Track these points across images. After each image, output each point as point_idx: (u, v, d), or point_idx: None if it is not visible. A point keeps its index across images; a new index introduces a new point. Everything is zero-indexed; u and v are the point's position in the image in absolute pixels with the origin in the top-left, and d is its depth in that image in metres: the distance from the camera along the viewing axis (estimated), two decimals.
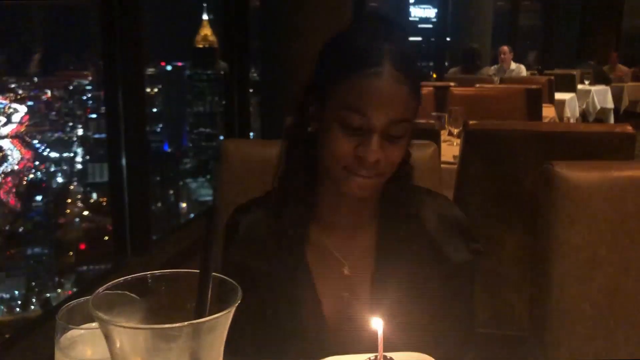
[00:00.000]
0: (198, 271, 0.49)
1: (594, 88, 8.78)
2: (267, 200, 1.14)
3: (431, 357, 0.86)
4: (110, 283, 0.49)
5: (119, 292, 0.56)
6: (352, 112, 0.99)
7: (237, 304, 0.47)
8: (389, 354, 0.84)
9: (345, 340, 1.00)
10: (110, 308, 0.53)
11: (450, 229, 1.11)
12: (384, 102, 0.99)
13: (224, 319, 0.46)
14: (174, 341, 0.46)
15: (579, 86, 8.34)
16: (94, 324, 0.66)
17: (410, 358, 0.85)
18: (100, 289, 0.48)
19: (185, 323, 0.43)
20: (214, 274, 0.49)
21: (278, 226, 1.09)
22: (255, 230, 1.11)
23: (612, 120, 8.93)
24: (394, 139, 1.01)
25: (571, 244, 1.24)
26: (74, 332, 0.65)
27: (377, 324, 0.82)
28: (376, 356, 0.83)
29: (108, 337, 0.47)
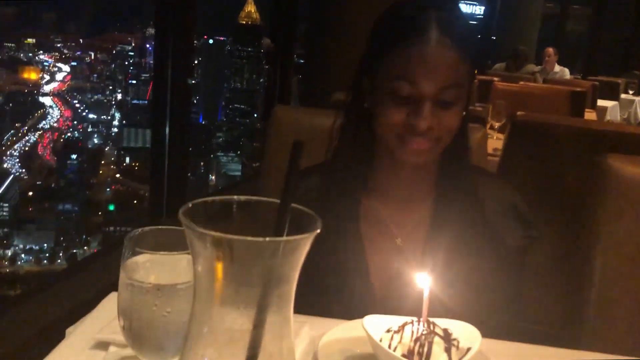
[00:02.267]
0: (279, 200, 0.50)
1: (638, 98, 8.58)
2: (323, 169, 1.15)
3: (474, 327, 0.86)
4: (194, 201, 0.51)
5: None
6: (401, 81, 1.01)
7: (316, 232, 0.48)
8: (432, 319, 0.85)
9: (393, 307, 1.02)
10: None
11: (507, 211, 1.11)
12: (432, 69, 1.00)
13: (303, 242, 0.47)
14: (253, 258, 0.48)
15: (622, 95, 8.16)
16: (160, 253, 0.68)
17: (453, 325, 0.86)
18: (189, 204, 0.50)
19: (267, 238, 0.45)
20: (294, 205, 0.50)
21: (333, 195, 1.11)
22: (311, 196, 1.13)
23: None
24: (446, 105, 1.02)
25: (617, 238, 1.23)
26: (140, 257, 0.68)
27: (423, 282, 0.83)
28: (419, 318, 0.85)
29: (193, 248, 0.49)
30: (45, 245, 9.79)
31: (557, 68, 7.10)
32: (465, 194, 1.10)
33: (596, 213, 1.27)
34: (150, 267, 0.68)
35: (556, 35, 11.81)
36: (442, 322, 0.86)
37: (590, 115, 5.11)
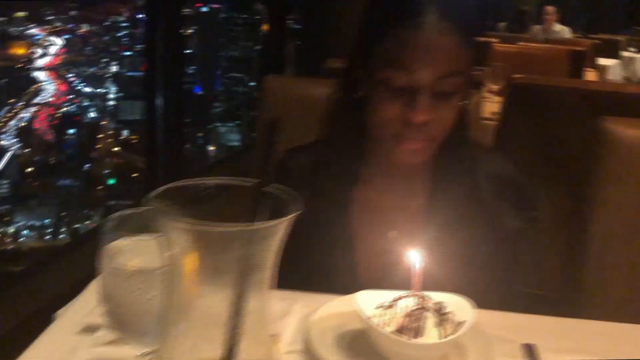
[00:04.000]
0: (255, 180, 0.48)
1: (639, 56, 8.47)
2: (317, 149, 1.11)
3: (468, 300, 0.85)
4: (166, 185, 0.48)
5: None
6: (395, 70, 0.94)
7: (295, 214, 0.46)
8: (424, 292, 0.83)
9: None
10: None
11: (507, 194, 1.06)
12: (430, 55, 0.93)
13: (279, 226, 0.45)
14: (229, 245, 0.46)
15: (624, 53, 8.05)
16: (141, 236, 0.66)
17: (446, 297, 0.84)
18: (158, 189, 0.48)
19: (241, 224, 0.43)
20: (273, 184, 0.48)
21: (326, 181, 1.07)
22: (305, 177, 1.09)
23: None
24: (444, 97, 0.95)
25: (616, 203, 1.21)
26: (121, 241, 0.66)
27: (414, 258, 0.81)
28: (411, 292, 0.83)
29: (165, 237, 0.47)
30: (48, 220, 9.81)
31: (558, 27, 7.00)
32: (462, 184, 1.04)
33: (595, 177, 1.24)
34: (132, 251, 0.66)
35: None
36: (435, 296, 0.84)
37: (591, 74, 5.04)
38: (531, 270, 2.10)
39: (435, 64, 0.93)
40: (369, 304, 0.82)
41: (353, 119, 1.05)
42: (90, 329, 0.82)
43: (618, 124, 1.21)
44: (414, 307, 0.80)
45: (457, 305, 0.83)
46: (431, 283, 0.89)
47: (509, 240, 1.07)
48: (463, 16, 0.96)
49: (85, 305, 0.86)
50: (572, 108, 1.87)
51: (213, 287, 0.48)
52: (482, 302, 0.87)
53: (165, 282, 0.50)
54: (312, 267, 1.07)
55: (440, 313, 0.80)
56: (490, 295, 1.06)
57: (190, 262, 0.46)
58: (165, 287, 0.50)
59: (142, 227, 0.66)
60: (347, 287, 1.04)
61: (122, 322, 0.66)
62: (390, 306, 0.81)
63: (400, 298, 0.81)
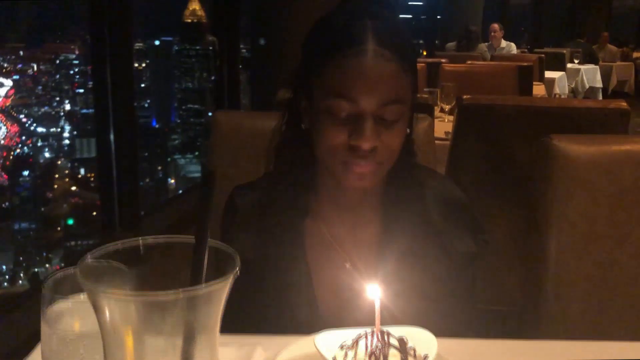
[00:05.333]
0: (193, 237, 0.46)
1: (583, 67, 8.78)
2: (266, 184, 1.10)
3: (428, 331, 0.84)
4: (98, 249, 0.46)
5: (108, 261, 0.53)
6: (339, 99, 0.93)
7: (235, 272, 0.44)
8: (386, 327, 0.82)
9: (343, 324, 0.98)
10: (98, 278, 0.51)
11: (456, 218, 1.06)
12: (372, 83, 0.93)
13: (222, 287, 0.43)
14: (169, 312, 0.43)
15: (569, 65, 8.33)
16: (82, 295, 0.63)
17: (408, 331, 0.83)
18: (88, 254, 0.45)
19: (180, 291, 0.41)
20: (211, 240, 0.46)
21: (275, 217, 1.06)
22: (254, 215, 1.07)
23: (600, 99, 8.97)
24: (389, 123, 0.95)
25: (568, 218, 1.22)
26: (61, 304, 0.63)
27: (374, 294, 0.80)
28: (372, 329, 0.82)
29: (97, 308, 0.44)
30: (4, 267, 9.48)
31: (504, 43, 7.19)
32: (413, 210, 1.05)
33: (547, 194, 1.26)
34: (73, 314, 0.63)
35: (500, 10, 11.96)
36: (397, 330, 0.83)
37: (538, 88, 5.19)
38: (489, 288, 2.12)
39: (377, 91, 0.94)
40: (331, 345, 0.80)
41: (300, 151, 1.05)
42: None
43: (563, 141, 1.23)
44: (377, 346, 0.78)
45: (419, 338, 0.82)
46: (391, 315, 0.88)
47: (463, 265, 1.07)
48: (400, 44, 0.97)
49: None
50: (519, 124, 1.91)
51: (156, 352, 0.46)
52: (443, 328, 0.86)
53: (107, 347, 0.47)
54: (271, 305, 1.05)
55: (404, 349, 0.78)
56: (450, 319, 1.06)
57: (128, 331, 0.44)
58: (107, 353, 0.48)
59: (79, 287, 0.63)
60: (308, 323, 1.02)
61: None
62: (352, 346, 0.79)
63: (361, 337, 0.80)
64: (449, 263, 1.04)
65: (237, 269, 0.44)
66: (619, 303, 1.24)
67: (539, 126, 1.91)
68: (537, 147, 1.27)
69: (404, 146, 1.01)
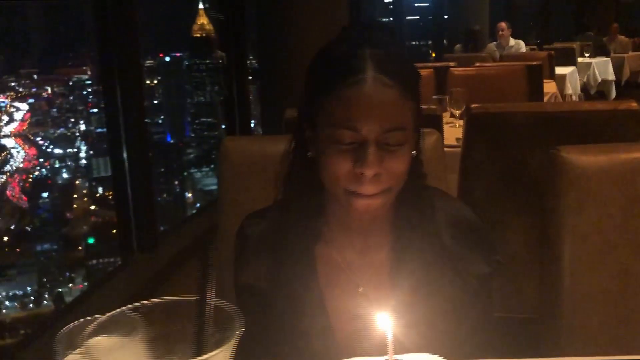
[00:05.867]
0: (195, 298, 0.47)
1: (594, 60, 8.69)
2: (276, 211, 1.11)
3: (443, 358, 0.84)
4: (105, 316, 0.47)
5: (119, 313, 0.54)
6: (341, 128, 0.95)
7: (239, 333, 0.45)
8: (399, 356, 0.82)
9: (356, 353, 0.98)
10: (110, 332, 0.52)
11: (468, 240, 1.06)
12: (373, 111, 0.94)
13: (225, 351, 0.44)
14: None
15: (579, 59, 8.25)
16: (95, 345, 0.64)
17: (421, 359, 0.83)
18: (90, 327, 0.46)
19: None
20: (214, 299, 0.47)
21: (287, 244, 1.07)
22: (266, 244, 1.08)
23: (613, 92, 8.86)
24: (393, 149, 0.96)
25: (581, 231, 1.21)
26: (72, 358, 0.64)
27: (386, 323, 0.80)
28: (387, 359, 0.82)
29: None
30: (29, 288, 9.60)
31: (512, 42, 7.15)
32: (424, 233, 1.05)
33: (558, 206, 1.25)
34: None
35: (507, 7, 11.90)
36: (410, 358, 0.83)
37: (549, 85, 5.14)
38: (508, 295, 2.10)
39: (378, 119, 0.95)
40: None
41: (308, 178, 1.06)
42: None
43: (572, 152, 1.22)
44: None
45: None
46: (406, 342, 0.88)
47: (478, 286, 1.06)
48: (400, 70, 0.98)
49: None
50: (530, 131, 1.90)
51: None
52: (459, 352, 0.86)
53: None
54: (286, 334, 1.05)
55: None
56: (468, 343, 1.05)
57: None
58: None
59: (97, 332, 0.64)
60: (323, 352, 1.03)
61: None
62: None
63: None
64: (463, 285, 1.04)
65: (241, 329, 0.45)
66: (639, 313, 1.23)
67: (549, 131, 1.90)
68: (546, 159, 1.27)
69: (412, 168, 1.01)
